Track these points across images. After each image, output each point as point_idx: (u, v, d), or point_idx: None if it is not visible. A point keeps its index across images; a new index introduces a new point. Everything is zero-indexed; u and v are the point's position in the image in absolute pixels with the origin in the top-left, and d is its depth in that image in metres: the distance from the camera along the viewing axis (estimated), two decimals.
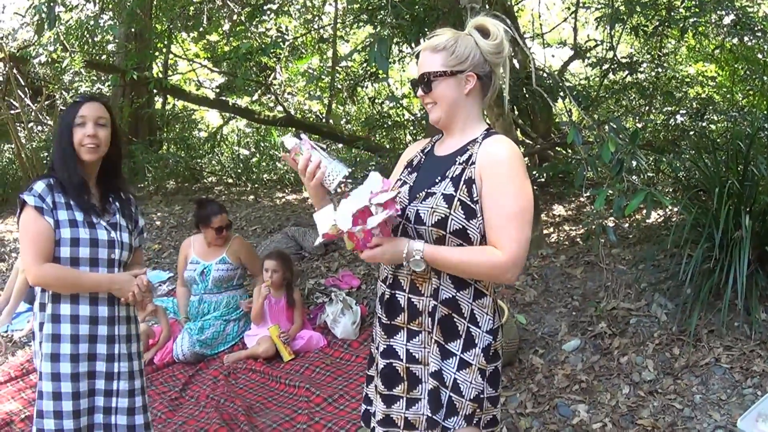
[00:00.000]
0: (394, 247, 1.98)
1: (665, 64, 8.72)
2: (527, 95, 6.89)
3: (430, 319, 2.07)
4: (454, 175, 2.03)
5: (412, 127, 9.54)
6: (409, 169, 2.24)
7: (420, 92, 2.08)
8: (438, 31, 2.07)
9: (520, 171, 1.99)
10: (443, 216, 1.98)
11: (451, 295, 2.04)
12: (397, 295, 2.11)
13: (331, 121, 11.03)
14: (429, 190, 2.04)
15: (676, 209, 5.26)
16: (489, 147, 2.03)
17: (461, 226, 1.98)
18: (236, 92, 10.04)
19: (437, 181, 2.06)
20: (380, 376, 2.18)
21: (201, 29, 9.00)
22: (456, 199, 1.98)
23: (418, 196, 2.06)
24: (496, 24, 2.06)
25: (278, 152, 12.46)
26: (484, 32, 2.07)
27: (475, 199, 1.98)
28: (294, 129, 12.08)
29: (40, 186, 2.49)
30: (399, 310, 2.11)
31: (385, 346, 2.16)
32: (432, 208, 1.99)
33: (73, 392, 2.47)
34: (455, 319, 2.05)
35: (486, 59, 2.05)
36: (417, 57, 2.12)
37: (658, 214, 5.99)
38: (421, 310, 2.07)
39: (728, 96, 8.59)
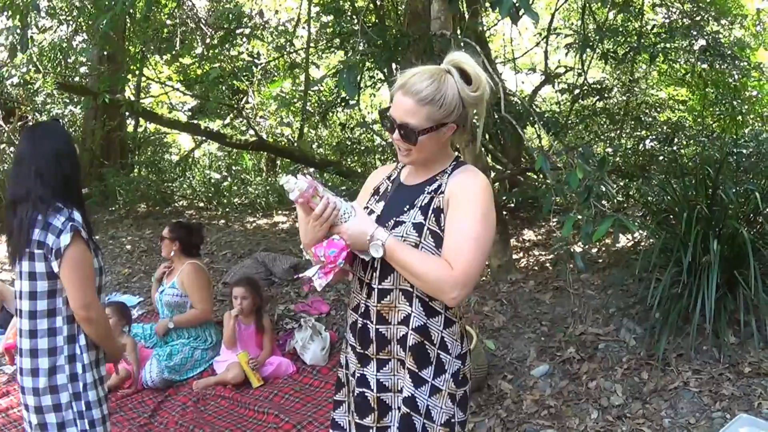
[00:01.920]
0: (361, 226, 1.98)
1: (636, 89, 8.84)
2: (497, 121, 6.93)
3: (399, 346, 2.07)
4: (423, 204, 2.03)
5: (382, 153, 9.56)
6: (376, 197, 2.23)
7: (396, 136, 1.99)
8: (419, 71, 1.97)
9: (485, 200, 1.98)
10: (413, 244, 1.98)
11: (422, 323, 2.04)
12: (368, 325, 2.11)
13: (302, 145, 11.02)
14: (398, 219, 2.04)
15: (644, 234, 5.29)
16: (459, 177, 2.04)
17: (431, 254, 1.99)
18: (208, 115, 9.98)
19: (406, 209, 2.05)
20: (354, 403, 2.19)
21: (174, 52, 8.95)
22: (425, 227, 2.00)
23: (386, 225, 2.05)
24: (476, 68, 1.99)
25: (250, 176, 12.42)
26: (465, 77, 1.98)
27: (442, 227, 1.99)
28: (266, 153, 12.06)
29: (77, 216, 2.45)
30: (369, 341, 2.11)
31: (359, 375, 2.16)
32: (402, 236, 2.00)
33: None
34: (426, 347, 2.05)
35: (464, 106, 2.00)
36: (396, 88, 1.99)
37: (627, 239, 6.04)
38: (389, 338, 2.08)
39: (699, 120, 8.69)
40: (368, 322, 2.11)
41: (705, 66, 7.21)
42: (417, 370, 2.06)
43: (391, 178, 2.25)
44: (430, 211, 2.01)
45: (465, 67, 1.98)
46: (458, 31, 5.52)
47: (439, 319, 2.06)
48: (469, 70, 1.99)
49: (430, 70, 1.97)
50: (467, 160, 6.13)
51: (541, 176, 7.75)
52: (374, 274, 2.08)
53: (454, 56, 2.00)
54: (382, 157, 9.69)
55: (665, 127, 7.86)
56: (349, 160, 10.22)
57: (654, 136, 7.61)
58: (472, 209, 1.96)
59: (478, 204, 1.97)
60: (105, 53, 9.50)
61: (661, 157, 7.25)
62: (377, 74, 7.85)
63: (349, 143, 9.72)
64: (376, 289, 2.08)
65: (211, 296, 5.19)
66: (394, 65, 6.20)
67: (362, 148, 9.58)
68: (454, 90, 1.95)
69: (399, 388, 2.11)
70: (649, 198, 5.94)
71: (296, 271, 6.48)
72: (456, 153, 2.14)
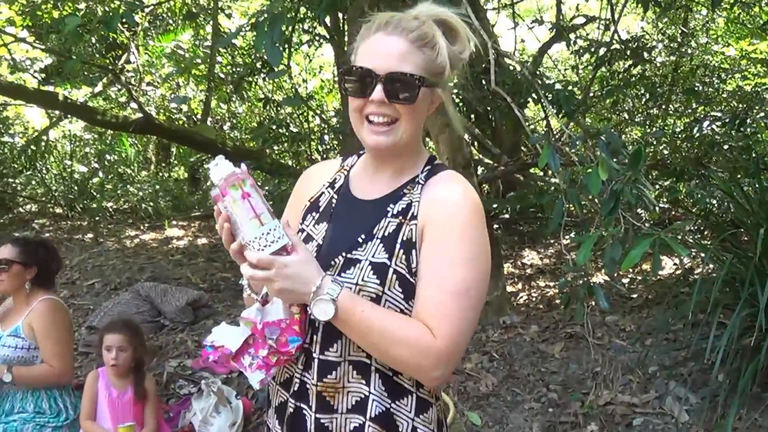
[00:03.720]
0: (303, 269, 1.82)
1: (691, 46, 8.84)
2: (488, 96, 6.94)
3: None
4: (387, 234, 1.95)
5: (321, 139, 9.51)
6: (314, 214, 2.13)
7: (379, 95, 1.91)
8: (396, 13, 1.97)
9: (477, 231, 1.93)
10: (374, 296, 1.89)
11: (384, 408, 1.96)
12: (303, 411, 2.02)
13: (209, 124, 10.94)
14: (350, 255, 1.95)
15: (700, 258, 5.31)
16: (435, 194, 1.97)
17: (398, 310, 1.91)
18: (69, 80, 9.84)
19: (361, 240, 1.97)
20: None
21: None
22: (391, 270, 1.91)
23: (333, 263, 1.95)
24: (461, 22, 2.00)
25: (131, 170, 12.30)
26: (451, 33, 2.01)
27: (413, 270, 1.92)
28: (156, 137, 11.94)
29: None
30: None
31: None
32: (357, 284, 1.91)
33: None
34: None
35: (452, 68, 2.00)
36: (373, 30, 1.95)
37: (674, 265, 6.07)
38: None
39: None
40: (304, 406, 2.01)
41: None
42: None
43: (336, 186, 2.16)
44: (398, 246, 1.93)
45: (448, 18, 1.99)
46: None
47: (409, 401, 1.99)
48: (453, 22, 1.99)
49: (409, 13, 1.97)
50: (443, 151, 6.15)
51: (549, 175, 7.78)
52: (314, 337, 1.97)
53: (431, 7, 1.99)
54: (322, 148, 9.63)
55: (734, 101, 7.86)
56: (275, 148, 10.13)
57: (716, 115, 7.53)
58: (458, 246, 1.90)
59: (467, 237, 1.91)
60: None
61: (726, 146, 7.10)
62: (315, 27, 7.80)
63: (275, 126, 9.63)
64: (316, 360, 1.98)
65: (72, 349, 5.07)
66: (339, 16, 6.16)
67: (293, 132, 9.51)
68: (444, 42, 1.96)
69: None
70: (707, 206, 5.96)
71: (196, 310, 6.39)
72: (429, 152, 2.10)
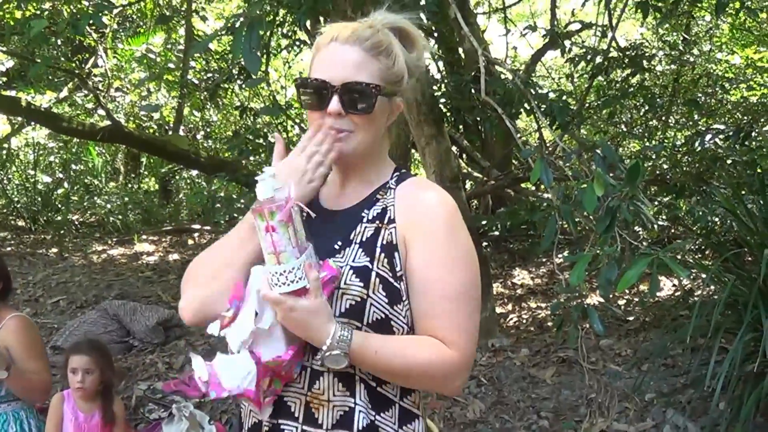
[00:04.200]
0: (311, 318, 1.82)
1: (693, 53, 8.83)
2: (478, 106, 6.96)
3: None
4: (365, 239, 1.97)
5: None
6: None
7: (335, 106, 1.95)
8: (348, 23, 2.01)
9: (462, 230, 1.98)
10: (358, 300, 1.90)
11: (370, 420, 1.95)
12: (282, 427, 2.00)
13: (181, 132, 10.92)
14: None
15: (701, 279, 5.33)
16: (413, 196, 2.00)
17: (383, 315, 1.92)
18: (33, 85, 9.80)
19: (338, 247, 1.99)
20: None
21: None
22: (374, 273, 1.92)
23: None
24: (418, 30, 2.08)
25: (98, 181, 12.26)
26: (407, 40, 2.07)
27: (398, 274, 1.94)
28: (125, 146, 11.91)
29: None
30: None
31: None
32: (340, 288, 1.91)
33: None
34: None
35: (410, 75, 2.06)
36: (325, 41, 2.00)
37: (673, 286, 6.09)
38: None
39: None
40: (283, 422, 1.99)
41: None
42: None
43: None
44: (379, 249, 1.95)
45: (403, 25, 2.04)
46: None
47: (393, 412, 1.99)
48: (409, 29, 2.05)
49: (363, 22, 2.02)
50: (431, 164, 6.16)
51: (541, 190, 7.80)
52: (307, 346, 1.97)
53: (385, 15, 2.05)
54: None
55: (738, 113, 7.83)
56: (251, 159, 10.12)
57: (719, 128, 7.47)
58: (447, 251, 1.94)
59: (453, 240, 1.95)
60: None
61: (729, 161, 7.08)
62: (295, 31, 7.81)
63: (251, 137, 9.62)
64: (309, 369, 1.97)
65: (48, 364, 5.04)
66: (321, 20, 6.17)
67: (272, 142, 9.49)
68: (400, 49, 2.02)
69: None
70: (709, 224, 5.97)
71: (167, 330, 6.38)
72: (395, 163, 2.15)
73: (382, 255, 1.94)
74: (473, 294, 1.95)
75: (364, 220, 2.00)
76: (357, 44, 1.95)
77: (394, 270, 1.93)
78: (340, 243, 1.98)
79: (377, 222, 1.98)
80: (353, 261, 1.94)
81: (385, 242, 1.95)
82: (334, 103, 1.92)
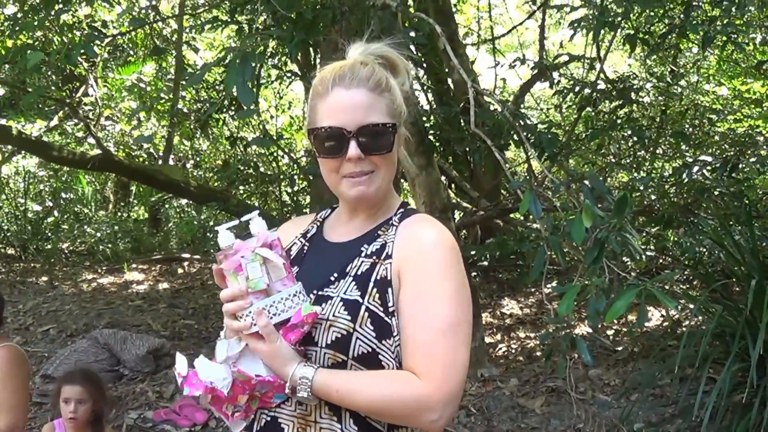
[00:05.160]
0: (273, 361, 1.89)
1: (681, 85, 8.81)
2: (467, 137, 6.99)
3: None
4: (360, 273, 1.98)
5: (291, 180, 9.46)
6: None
7: (354, 152, 1.97)
8: (338, 63, 2.04)
9: (456, 267, 1.97)
10: (344, 333, 1.91)
11: None
12: None
13: (171, 161, 10.92)
14: (321, 293, 1.98)
15: (689, 310, 5.34)
16: (410, 233, 2.02)
17: (370, 349, 1.92)
18: (23, 113, 9.80)
19: (333, 279, 2.00)
20: None
21: None
22: (363, 307, 1.93)
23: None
24: (399, 55, 2.10)
25: (88, 209, 12.24)
26: (393, 68, 2.09)
27: (390, 309, 1.94)
28: (115, 175, 11.88)
29: None
30: None
31: None
32: (328, 320, 1.93)
33: None
34: None
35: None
36: (329, 86, 2.00)
37: (661, 316, 6.09)
38: None
39: None
40: None
41: None
42: None
43: (308, 236, 2.21)
44: (372, 284, 1.96)
45: (387, 53, 2.08)
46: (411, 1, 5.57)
47: None
48: (393, 56, 2.09)
49: (350, 59, 2.05)
50: (420, 195, 6.20)
51: (530, 221, 7.82)
52: None
53: (367, 47, 2.08)
54: (291, 190, 9.60)
55: (725, 144, 7.84)
56: (241, 189, 10.13)
57: (707, 160, 7.40)
58: (439, 285, 1.93)
59: (447, 275, 1.95)
60: None
61: (717, 192, 7.06)
62: (285, 62, 7.84)
63: (242, 167, 9.62)
64: None
65: (27, 400, 5.01)
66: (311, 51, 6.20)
67: (262, 171, 9.50)
68: (394, 81, 2.06)
69: None
70: (696, 255, 5.97)
71: (157, 359, 6.37)
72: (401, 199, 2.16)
73: (374, 290, 1.95)
74: (460, 330, 1.92)
75: (362, 254, 2.02)
76: (361, 85, 1.97)
77: (386, 305, 1.93)
78: (336, 275, 2.00)
79: (374, 257, 2.00)
80: (344, 293, 1.95)
81: (379, 277, 1.96)
82: (353, 149, 1.95)
